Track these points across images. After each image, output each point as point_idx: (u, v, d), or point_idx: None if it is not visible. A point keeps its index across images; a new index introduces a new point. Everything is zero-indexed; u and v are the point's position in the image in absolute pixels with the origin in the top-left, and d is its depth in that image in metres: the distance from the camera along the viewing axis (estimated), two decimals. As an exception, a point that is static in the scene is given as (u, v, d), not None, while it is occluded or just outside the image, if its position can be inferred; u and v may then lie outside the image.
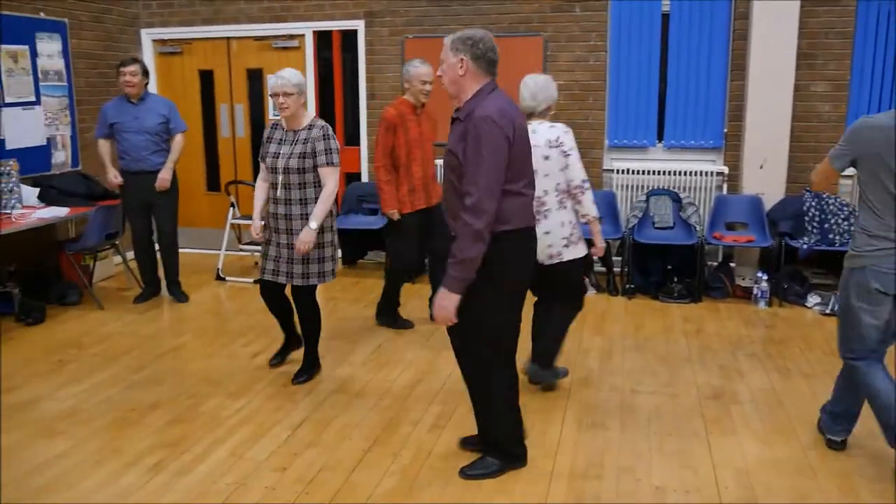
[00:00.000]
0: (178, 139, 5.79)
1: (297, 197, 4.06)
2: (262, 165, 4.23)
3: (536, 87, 3.98)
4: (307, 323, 4.30)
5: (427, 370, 4.45)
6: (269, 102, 7.28)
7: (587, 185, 3.90)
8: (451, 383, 4.26)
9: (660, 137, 6.55)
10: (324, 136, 4.05)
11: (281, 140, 4.14)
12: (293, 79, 4.01)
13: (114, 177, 5.71)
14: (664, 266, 6.14)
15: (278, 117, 4.21)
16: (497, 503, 3.04)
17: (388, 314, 5.27)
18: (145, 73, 5.65)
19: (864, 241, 3.13)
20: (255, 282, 4.34)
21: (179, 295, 5.98)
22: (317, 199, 4.05)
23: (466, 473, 3.24)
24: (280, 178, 4.06)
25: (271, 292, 4.29)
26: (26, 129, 6.08)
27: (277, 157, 4.08)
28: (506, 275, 2.98)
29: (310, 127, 4.09)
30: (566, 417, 3.82)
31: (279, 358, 4.55)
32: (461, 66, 2.98)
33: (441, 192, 4.98)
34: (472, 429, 3.67)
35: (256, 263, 6.78)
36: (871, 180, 3.12)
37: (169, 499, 3.07)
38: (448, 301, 2.88)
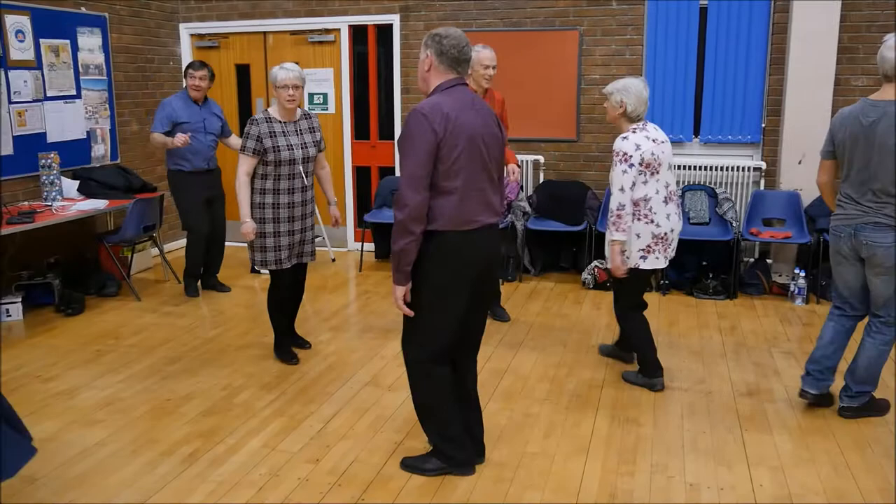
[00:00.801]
0: (235, 137, 6.03)
1: (310, 183, 4.38)
2: (247, 160, 4.21)
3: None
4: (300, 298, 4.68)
5: (459, 364, 4.46)
6: (306, 97, 7.34)
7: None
8: (482, 378, 4.25)
9: (696, 132, 6.47)
10: (319, 124, 4.47)
11: (283, 132, 4.25)
12: (300, 72, 4.30)
13: (181, 137, 5.51)
14: (699, 262, 6.07)
15: (268, 112, 4.29)
16: (528, 501, 3.04)
17: None
18: (212, 77, 5.79)
19: (837, 209, 3.70)
20: (273, 272, 4.40)
21: (222, 286, 6.12)
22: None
23: (405, 462, 3.27)
24: (301, 167, 4.28)
25: (293, 277, 4.49)
26: (67, 123, 6.20)
27: (294, 149, 4.24)
28: (432, 276, 2.93)
29: (307, 116, 4.41)
30: (598, 413, 3.80)
31: (295, 358, 4.56)
32: (426, 63, 3.00)
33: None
34: (500, 425, 3.67)
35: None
36: (841, 159, 3.61)
37: (203, 489, 3.11)
38: (395, 291, 2.96)
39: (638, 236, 3.91)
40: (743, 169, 6.28)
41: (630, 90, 3.88)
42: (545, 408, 3.87)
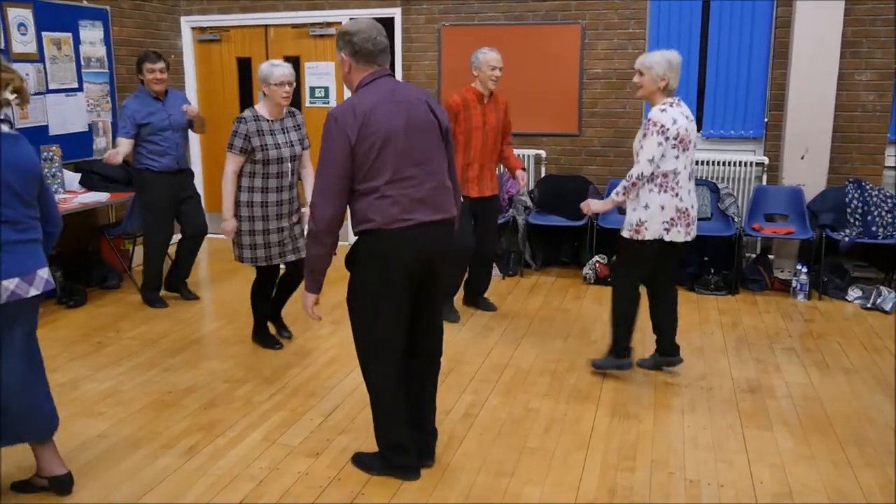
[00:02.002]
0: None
1: (295, 181, 4.40)
2: (235, 158, 4.19)
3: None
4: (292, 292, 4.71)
5: (459, 359, 4.46)
6: (307, 90, 7.33)
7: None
8: (483, 373, 4.26)
9: (698, 127, 6.45)
10: (303, 121, 4.48)
11: (270, 131, 4.25)
12: (292, 69, 4.33)
13: (114, 154, 5.08)
14: (701, 257, 6.06)
15: (255, 110, 4.27)
16: (527, 496, 3.04)
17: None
18: (168, 67, 5.32)
19: None
20: (261, 268, 4.46)
21: (189, 293, 5.69)
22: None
23: (356, 457, 3.26)
24: (289, 165, 4.29)
25: (275, 274, 4.54)
26: (69, 116, 6.19)
27: (281, 147, 4.25)
28: (364, 276, 2.90)
29: (290, 114, 4.41)
30: (599, 409, 3.80)
31: (280, 343, 4.68)
32: (345, 65, 2.91)
33: (494, 183, 5.12)
34: (500, 420, 3.68)
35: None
36: None
37: (204, 482, 3.12)
38: (305, 298, 3.01)
39: (662, 208, 3.87)
40: (745, 164, 6.26)
41: (673, 63, 3.85)
42: (545, 403, 3.87)
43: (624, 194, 3.90)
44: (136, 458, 3.31)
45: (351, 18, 6.95)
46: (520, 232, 6.29)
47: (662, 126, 3.79)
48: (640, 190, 3.89)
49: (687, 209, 3.94)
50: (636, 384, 4.10)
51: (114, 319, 5.23)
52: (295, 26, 7.28)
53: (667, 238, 3.92)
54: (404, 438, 3.10)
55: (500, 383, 4.12)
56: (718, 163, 6.31)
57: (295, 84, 4.31)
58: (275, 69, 4.21)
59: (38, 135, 5.88)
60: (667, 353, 4.22)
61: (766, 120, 6.24)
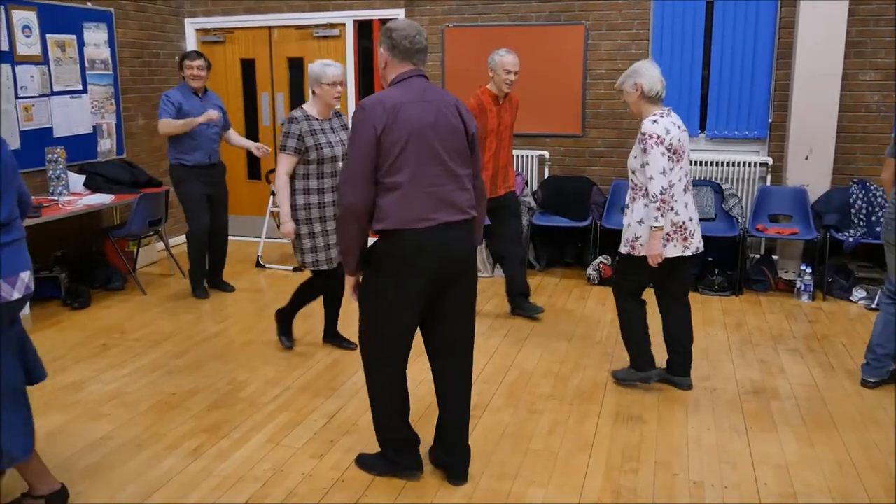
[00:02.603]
0: (233, 130, 5.91)
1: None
2: (289, 159, 4.15)
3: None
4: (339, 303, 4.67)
5: (463, 360, 4.46)
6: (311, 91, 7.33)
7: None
8: (486, 374, 4.26)
9: (702, 127, 6.45)
10: (347, 123, 4.35)
11: (322, 130, 4.23)
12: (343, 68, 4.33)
13: (211, 113, 5.48)
14: (704, 258, 6.05)
15: (304, 109, 4.24)
16: (531, 498, 3.04)
17: None
18: (209, 66, 5.64)
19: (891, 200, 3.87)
20: (314, 271, 4.39)
21: (226, 285, 5.99)
22: None
23: (359, 458, 3.27)
24: (340, 164, 4.24)
25: (330, 278, 4.45)
26: (73, 118, 6.21)
27: (333, 146, 4.23)
28: (379, 273, 2.88)
29: (338, 115, 4.38)
30: (602, 410, 3.80)
31: (291, 345, 4.70)
32: (383, 59, 2.94)
33: (509, 182, 5.14)
34: (504, 422, 3.68)
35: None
36: None
37: (208, 483, 3.12)
38: (347, 282, 3.05)
39: (666, 222, 3.77)
40: (749, 164, 6.25)
41: (640, 71, 3.81)
42: (549, 404, 3.87)
43: (662, 216, 3.68)
44: (140, 459, 3.32)
45: (354, 20, 7.03)
46: (524, 233, 6.29)
47: (658, 136, 3.70)
48: (635, 204, 3.83)
49: (684, 222, 3.82)
50: (640, 385, 4.09)
51: (118, 321, 5.24)
52: (298, 27, 7.29)
53: (665, 254, 3.81)
54: (405, 437, 3.11)
55: (504, 385, 4.12)
56: (722, 163, 6.30)
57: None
58: (328, 69, 4.16)
59: (43, 137, 5.90)
60: (673, 371, 4.08)
61: (770, 120, 6.23)
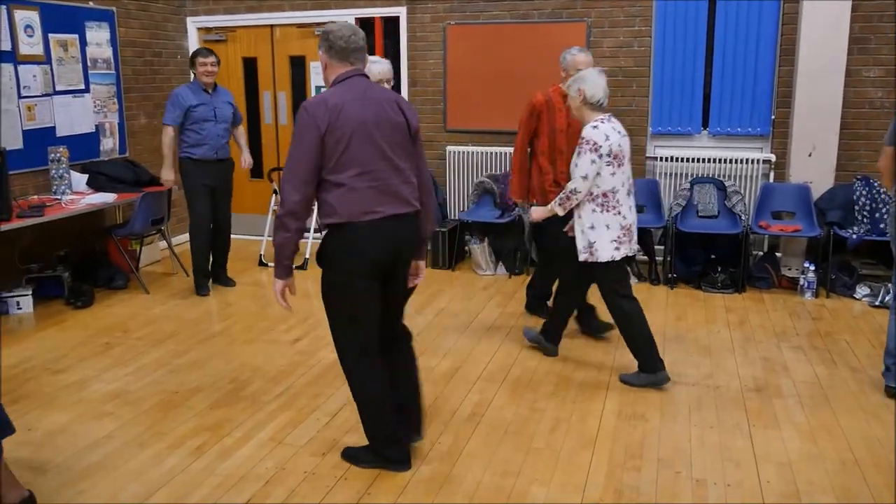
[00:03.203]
0: (242, 128, 6.05)
1: None
2: None
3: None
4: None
5: (465, 359, 4.46)
6: (313, 90, 7.34)
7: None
8: (489, 372, 4.26)
9: (705, 124, 6.43)
10: None
11: None
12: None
13: (170, 179, 5.80)
14: (707, 255, 6.04)
15: None
16: (533, 495, 3.04)
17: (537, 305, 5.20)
18: (219, 62, 5.77)
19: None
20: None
21: (227, 280, 6.08)
22: None
23: (346, 452, 3.32)
24: None
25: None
26: (76, 117, 6.22)
27: None
28: (333, 267, 2.99)
29: None
30: (605, 408, 3.80)
31: None
32: (322, 61, 3.04)
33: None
34: (507, 420, 3.68)
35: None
36: None
37: (211, 482, 3.13)
38: (275, 284, 3.03)
39: (608, 227, 3.95)
40: (752, 161, 6.24)
41: (585, 78, 3.95)
42: (552, 402, 3.87)
43: (560, 206, 4.00)
44: (143, 458, 3.33)
45: (356, 18, 7.03)
46: (526, 230, 6.28)
47: (595, 143, 3.86)
48: (582, 210, 3.98)
49: (630, 225, 4.01)
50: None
51: (121, 320, 5.25)
52: (300, 26, 7.29)
53: (618, 257, 3.98)
54: (392, 429, 3.16)
55: (507, 383, 4.12)
56: (725, 160, 6.29)
57: (393, 81, 3.98)
58: (373, 66, 3.79)
59: (46, 136, 5.90)
60: (648, 368, 4.07)
61: (773, 117, 6.21)
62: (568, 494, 3.02)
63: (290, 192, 2.87)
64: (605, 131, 3.88)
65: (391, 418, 3.15)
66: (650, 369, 4.02)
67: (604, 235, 3.95)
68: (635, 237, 4.10)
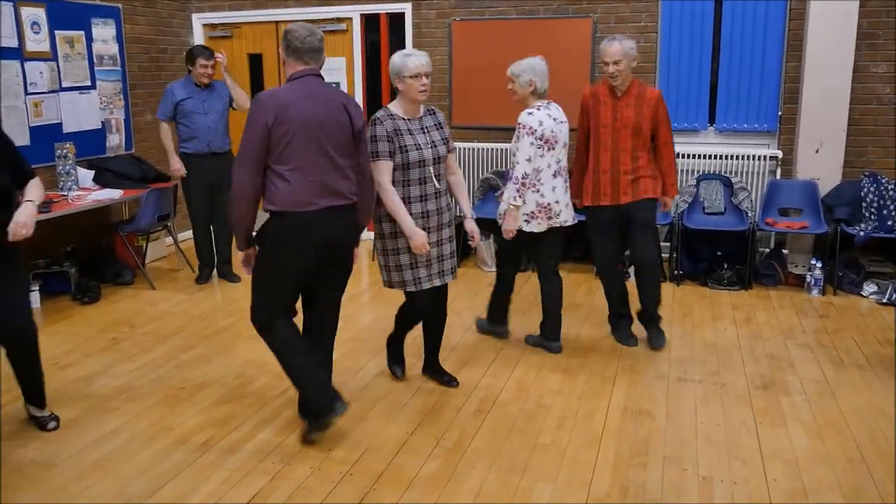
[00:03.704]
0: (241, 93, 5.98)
1: (443, 188, 3.78)
2: (385, 165, 3.56)
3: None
4: (441, 331, 4.11)
5: (471, 355, 4.46)
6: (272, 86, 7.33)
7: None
8: (494, 369, 4.26)
9: (711, 121, 6.41)
10: (445, 120, 3.91)
11: (409, 130, 3.64)
12: (429, 58, 3.76)
13: (178, 167, 5.77)
14: (714, 252, 6.03)
15: (389, 109, 3.67)
16: (539, 492, 3.04)
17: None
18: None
19: None
20: (411, 294, 3.83)
21: (232, 276, 6.10)
22: None
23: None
24: (431, 169, 3.68)
25: (435, 297, 3.89)
26: (82, 113, 6.23)
27: (422, 148, 3.63)
28: (268, 249, 3.23)
29: (431, 112, 3.79)
30: (611, 404, 3.79)
31: (402, 376, 4.17)
32: (281, 58, 3.28)
33: (639, 190, 4.37)
34: (513, 416, 3.67)
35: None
36: None
37: (217, 477, 3.13)
38: (240, 255, 3.38)
39: (524, 202, 4.21)
40: (759, 158, 6.22)
41: (536, 69, 4.18)
42: (557, 398, 3.86)
43: (520, 197, 4.17)
44: (150, 452, 3.34)
45: (361, 14, 7.02)
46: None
47: (531, 128, 4.13)
48: (508, 184, 4.23)
49: (549, 204, 4.25)
50: (649, 379, 4.08)
51: (128, 315, 5.26)
52: (305, 22, 7.27)
53: (525, 229, 4.25)
54: (314, 382, 3.35)
55: (512, 379, 4.12)
56: (732, 157, 6.27)
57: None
58: (409, 59, 3.57)
59: (52, 132, 5.92)
60: (544, 335, 4.53)
61: (780, 113, 6.19)
62: (574, 491, 3.02)
63: (237, 175, 3.11)
64: (539, 117, 4.16)
65: (310, 371, 3.36)
66: (496, 322, 4.69)
67: (519, 209, 4.23)
68: (562, 215, 4.31)
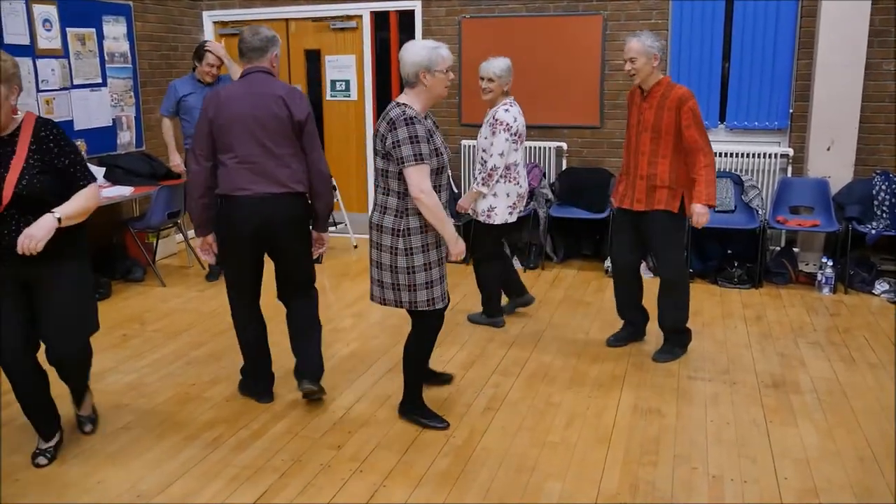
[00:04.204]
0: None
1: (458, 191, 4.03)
2: (425, 169, 3.17)
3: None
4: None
5: (480, 352, 4.46)
6: (328, 84, 7.34)
7: None
8: (504, 366, 4.26)
9: (722, 118, 6.38)
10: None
11: (431, 131, 3.29)
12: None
13: (177, 163, 5.84)
14: (724, 250, 6.00)
15: (406, 106, 3.24)
16: (549, 490, 3.04)
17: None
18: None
19: None
20: (434, 312, 3.42)
21: None
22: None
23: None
24: (449, 172, 3.50)
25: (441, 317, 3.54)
26: (93, 111, 6.25)
27: (445, 152, 3.36)
28: (220, 231, 3.57)
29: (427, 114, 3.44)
30: (621, 403, 3.78)
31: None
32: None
33: (654, 200, 4.10)
34: (522, 414, 3.67)
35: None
36: None
37: (227, 473, 3.15)
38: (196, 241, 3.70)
39: (507, 195, 4.56)
40: (770, 155, 6.19)
41: (510, 70, 4.51)
42: (567, 396, 3.86)
43: (485, 185, 4.51)
44: (160, 449, 3.35)
45: (371, 12, 7.02)
46: (541, 225, 6.27)
47: (508, 124, 4.43)
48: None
49: (523, 194, 4.66)
50: (659, 378, 4.07)
51: (138, 312, 5.28)
52: (315, 20, 7.29)
53: (511, 220, 4.63)
54: (256, 364, 3.83)
55: (522, 377, 4.11)
56: (742, 155, 6.24)
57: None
58: (441, 51, 3.22)
59: (64, 129, 5.92)
60: (518, 293, 5.03)
61: (790, 111, 6.16)
62: (583, 489, 3.01)
63: (190, 165, 3.54)
64: (514, 114, 4.47)
65: (258, 354, 3.82)
66: (491, 314, 4.89)
67: (503, 202, 4.57)
68: (524, 202, 4.73)
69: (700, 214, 4.00)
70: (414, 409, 3.56)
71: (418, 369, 3.55)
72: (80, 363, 3.29)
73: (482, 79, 4.51)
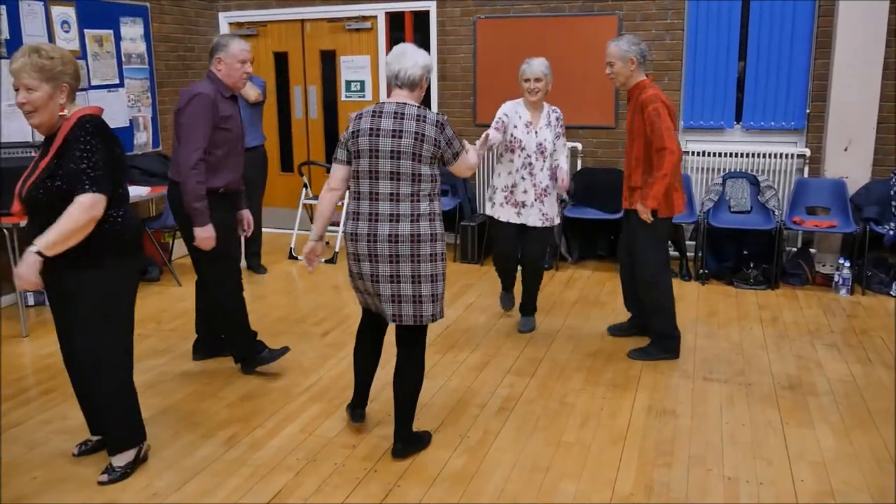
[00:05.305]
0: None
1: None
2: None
3: None
4: None
5: (495, 353, 4.46)
6: (343, 84, 7.36)
7: None
8: (518, 367, 4.25)
9: (738, 118, 6.35)
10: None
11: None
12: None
13: None
14: (740, 251, 5.97)
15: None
16: (563, 491, 3.03)
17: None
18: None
19: None
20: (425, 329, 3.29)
21: (260, 268, 6.22)
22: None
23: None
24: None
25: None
26: (111, 111, 6.30)
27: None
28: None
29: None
30: (635, 403, 3.77)
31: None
32: None
33: (633, 198, 4.19)
34: (536, 414, 3.67)
35: (328, 242, 6.88)
36: None
37: (242, 472, 3.16)
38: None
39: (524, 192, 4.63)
40: (786, 156, 6.15)
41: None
42: (581, 397, 3.85)
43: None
44: (176, 447, 3.37)
45: (386, 12, 7.03)
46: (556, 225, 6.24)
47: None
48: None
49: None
50: (674, 379, 4.06)
51: (154, 311, 5.32)
52: (331, 20, 7.31)
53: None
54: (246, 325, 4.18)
55: (536, 377, 4.11)
56: (758, 155, 6.21)
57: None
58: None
59: (103, 127, 5.98)
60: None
61: (807, 111, 6.11)
62: (598, 490, 3.01)
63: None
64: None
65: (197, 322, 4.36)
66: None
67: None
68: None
69: (641, 212, 4.08)
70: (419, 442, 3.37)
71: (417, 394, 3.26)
72: (101, 390, 3.01)
73: (528, 80, 4.40)
